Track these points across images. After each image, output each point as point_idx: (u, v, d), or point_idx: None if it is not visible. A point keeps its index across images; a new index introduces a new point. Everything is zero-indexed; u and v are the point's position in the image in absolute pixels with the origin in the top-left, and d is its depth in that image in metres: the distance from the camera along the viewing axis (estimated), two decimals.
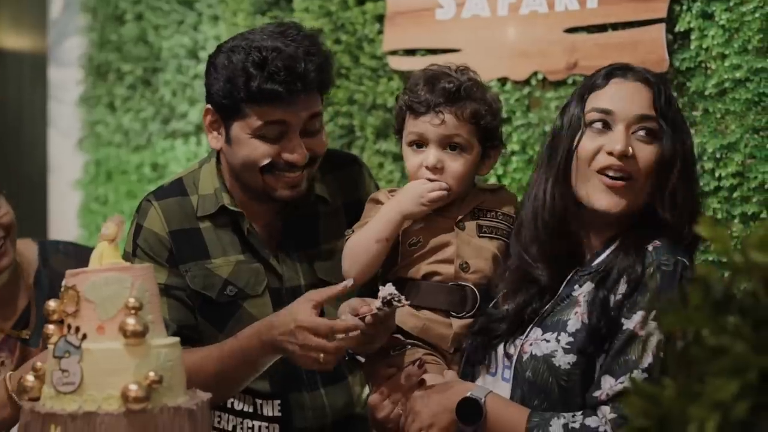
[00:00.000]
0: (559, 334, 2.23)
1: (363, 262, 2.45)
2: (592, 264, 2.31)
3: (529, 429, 2.17)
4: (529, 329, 2.29)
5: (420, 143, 2.44)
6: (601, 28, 3.30)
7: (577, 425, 2.14)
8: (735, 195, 2.96)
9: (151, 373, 1.89)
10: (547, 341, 2.23)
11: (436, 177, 2.42)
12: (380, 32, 3.80)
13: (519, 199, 2.54)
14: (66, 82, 5.09)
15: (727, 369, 1.28)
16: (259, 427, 2.67)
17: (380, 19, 3.80)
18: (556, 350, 2.21)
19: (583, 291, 2.25)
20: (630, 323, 2.16)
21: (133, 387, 1.87)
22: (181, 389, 1.97)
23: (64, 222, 5.07)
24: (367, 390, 2.65)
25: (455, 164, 2.42)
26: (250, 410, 2.68)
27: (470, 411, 2.23)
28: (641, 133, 2.27)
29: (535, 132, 3.44)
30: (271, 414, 2.67)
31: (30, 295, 2.98)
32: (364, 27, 3.84)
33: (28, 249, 3.07)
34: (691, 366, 1.35)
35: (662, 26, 3.12)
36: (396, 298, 2.25)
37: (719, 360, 1.30)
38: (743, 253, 1.34)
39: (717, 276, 1.36)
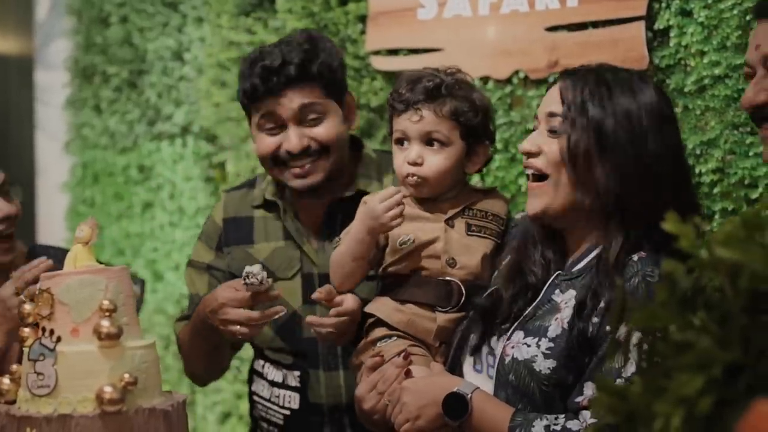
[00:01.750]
0: (539, 339, 2.23)
1: (344, 275, 2.54)
2: (573, 270, 2.32)
3: (512, 428, 2.18)
4: (511, 331, 2.30)
5: (403, 140, 2.50)
6: (582, 26, 3.30)
7: (558, 428, 2.15)
8: (715, 191, 2.97)
9: (126, 375, 1.90)
10: (528, 345, 2.24)
11: (416, 171, 2.46)
12: (363, 32, 3.80)
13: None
14: (52, 85, 5.09)
15: (693, 364, 1.29)
16: (284, 395, 2.91)
17: (363, 19, 3.80)
18: (536, 355, 2.22)
19: (564, 298, 2.26)
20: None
21: (107, 389, 1.88)
22: (156, 390, 1.98)
23: (52, 224, 5.06)
24: None
25: (435, 158, 2.47)
26: (280, 380, 2.92)
27: (456, 406, 2.25)
28: (549, 129, 2.31)
29: (517, 130, 3.44)
30: (292, 384, 2.89)
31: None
32: (347, 27, 3.84)
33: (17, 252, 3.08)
34: (658, 362, 1.35)
35: (642, 24, 3.12)
36: (249, 276, 2.50)
37: (685, 355, 1.30)
38: (709, 249, 1.35)
39: (683, 272, 1.36)
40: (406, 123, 2.48)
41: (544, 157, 2.30)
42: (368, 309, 2.53)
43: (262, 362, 2.97)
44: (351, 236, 2.49)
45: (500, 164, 3.46)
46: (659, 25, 3.10)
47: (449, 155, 2.48)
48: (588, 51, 3.22)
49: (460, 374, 2.39)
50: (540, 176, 2.32)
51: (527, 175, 2.36)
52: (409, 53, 3.69)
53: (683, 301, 1.35)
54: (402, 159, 2.49)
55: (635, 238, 2.23)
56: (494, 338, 2.33)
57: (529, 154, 2.32)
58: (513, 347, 2.27)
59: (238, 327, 2.56)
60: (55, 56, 5.05)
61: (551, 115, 2.31)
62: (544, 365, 2.21)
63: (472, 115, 2.48)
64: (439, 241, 2.47)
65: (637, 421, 1.34)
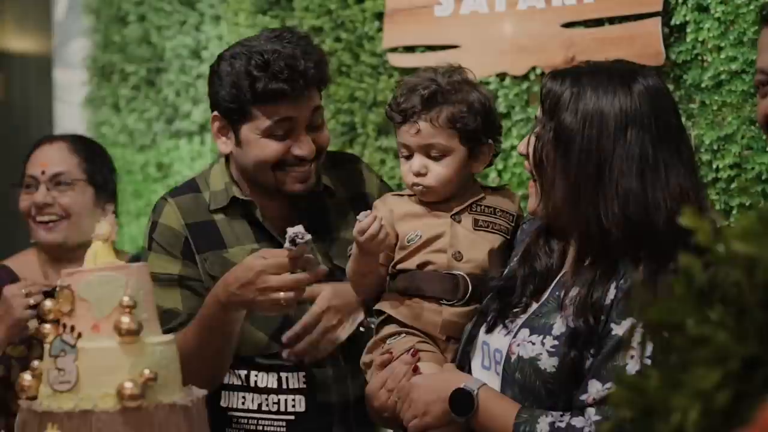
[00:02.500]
0: (544, 337, 2.24)
1: (360, 289, 2.61)
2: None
3: (517, 424, 2.19)
4: (518, 328, 2.30)
5: (405, 151, 2.52)
6: (598, 22, 3.31)
7: (563, 425, 2.15)
8: (732, 186, 2.97)
9: (146, 371, 1.91)
10: (533, 344, 2.24)
11: (420, 181, 2.48)
12: (380, 30, 3.81)
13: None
14: (71, 84, 5.11)
15: (710, 358, 1.29)
16: (285, 400, 2.74)
17: (380, 16, 3.81)
18: (541, 353, 2.22)
19: (570, 295, 2.25)
20: (619, 329, 2.16)
21: (128, 385, 1.89)
22: (176, 386, 1.99)
23: None
24: None
25: (438, 167, 2.48)
26: (275, 385, 2.75)
27: (463, 402, 2.26)
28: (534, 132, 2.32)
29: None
30: (296, 386, 2.74)
31: None
32: (364, 25, 3.86)
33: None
34: (675, 356, 1.36)
35: (658, 20, 3.12)
36: (300, 236, 2.40)
37: (702, 350, 1.31)
38: (725, 244, 1.35)
39: (700, 267, 1.37)
40: (406, 135, 2.50)
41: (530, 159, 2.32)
42: (377, 306, 2.55)
43: (244, 372, 2.76)
44: (352, 256, 2.53)
45: (517, 160, 3.47)
46: (676, 20, 3.10)
47: (451, 163, 2.49)
48: (604, 47, 3.23)
49: (469, 370, 2.40)
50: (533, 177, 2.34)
51: None
52: (425, 50, 3.70)
53: (700, 295, 1.36)
54: (407, 169, 2.51)
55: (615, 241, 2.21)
56: (502, 333, 2.33)
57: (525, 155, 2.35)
58: (518, 345, 2.27)
59: (282, 294, 2.46)
60: (74, 55, 5.08)
61: (536, 118, 2.34)
62: (548, 363, 2.21)
63: (471, 120, 2.47)
64: (445, 236, 2.48)
65: (655, 415, 1.34)
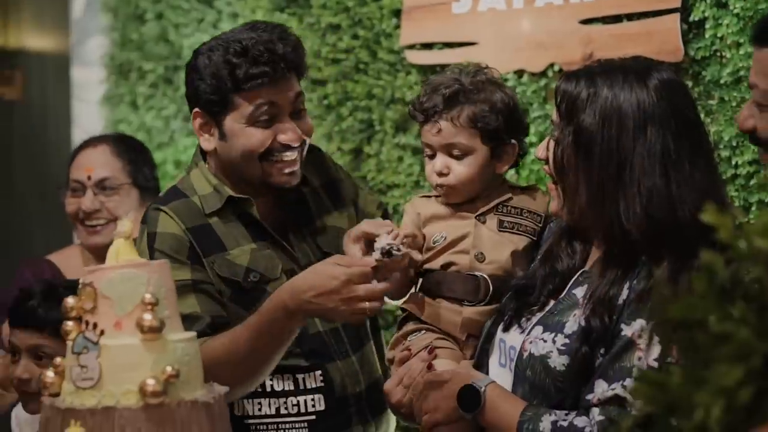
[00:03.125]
0: (556, 335, 2.25)
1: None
2: (593, 269, 2.32)
3: (521, 422, 2.20)
4: (532, 326, 2.31)
5: (428, 151, 2.54)
6: (617, 18, 3.30)
7: (566, 424, 2.16)
8: (752, 182, 2.97)
9: (168, 368, 1.92)
10: (545, 341, 2.26)
11: (443, 181, 2.50)
12: (397, 27, 3.81)
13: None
14: (89, 82, 5.13)
15: (732, 355, 1.30)
16: (304, 401, 2.72)
17: (397, 13, 3.82)
18: (552, 351, 2.23)
19: (590, 293, 2.25)
20: (629, 330, 2.16)
21: (150, 381, 1.90)
22: (198, 383, 2.01)
23: None
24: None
25: (459, 167, 2.50)
26: (291, 387, 2.72)
27: (470, 398, 2.28)
28: (551, 135, 2.33)
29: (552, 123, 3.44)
30: (313, 386, 2.72)
31: None
32: (381, 22, 3.86)
33: None
34: (697, 353, 1.36)
35: (677, 16, 3.12)
36: (395, 248, 2.35)
37: (724, 346, 1.31)
38: (747, 240, 1.35)
39: (721, 264, 1.37)
40: (428, 135, 2.52)
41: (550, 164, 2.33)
42: (401, 303, 2.58)
43: None
44: None
45: (535, 158, 3.46)
46: (694, 16, 3.09)
47: (473, 162, 2.50)
48: (623, 44, 3.22)
49: (487, 368, 2.41)
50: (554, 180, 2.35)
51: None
52: (443, 47, 3.70)
53: (722, 292, 1.36)
54: (430, 169, 2.54)
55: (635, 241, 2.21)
56: (518, 330, 2.35)
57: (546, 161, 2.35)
58: (531, 342, 2.28)
59: (368, 304, 2.40)
60: (92, 53, 5.10)
61: (553, 122, 2.34)
62: (558, 361, 2.22)
63: (492, 119, 2.48)
64: (469, 237, 2.50)
65: (677, 412, 1.35)
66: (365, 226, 2.50)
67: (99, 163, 3.30)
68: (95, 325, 1.96)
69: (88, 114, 5.12)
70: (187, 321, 2.45)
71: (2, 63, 5.45)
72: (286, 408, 2.71)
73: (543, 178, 3.45)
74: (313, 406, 2.72)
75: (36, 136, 5.23)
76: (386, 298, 2.65)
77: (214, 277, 2.65)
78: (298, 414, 2.72)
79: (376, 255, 2.38)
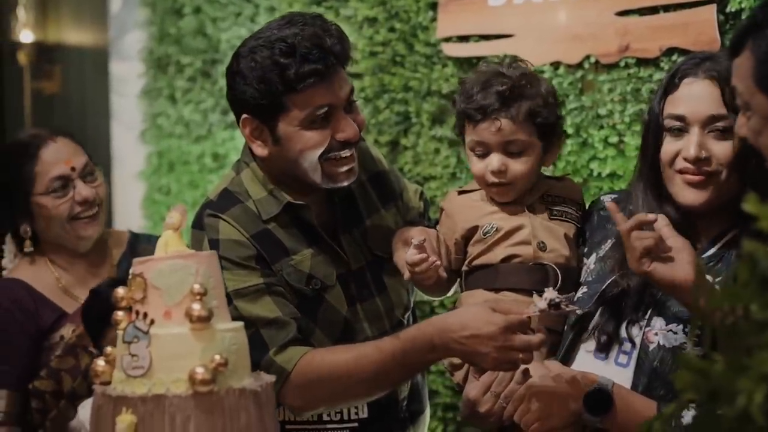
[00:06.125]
0: (685, 327, 2.22)
1: (431, 292, 2.64)
2: (703, 256, 2.28)
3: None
4: (649, 317, 2.29)
5: (482, 149, 2.48)
6: (653, 10, 3.31)
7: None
8: None
9: (217, 357, 1.95)
10: (675, 333, 2.23)
11: (501, 180, 2.46)
12: (434, 19, 3.84)
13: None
14: (127, 76, 5.18)
15: None
16: (348, 409, 2.67)
17: (434, 6, 3.84)
18: (685, 342, 2.20)
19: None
20: None
21: (199, 370, 1.93)
22: (245, 372, 2.04)
23: (128, 212, 5.16)
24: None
25: (517, 165, 2.46)
26: None
27: (600, 400, 2.20)
28: (715, 131, 2.25)
29: (588, 115, 3.46)
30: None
31: (111, 273, 3.16)
32: (418, 15, 3.89)
33: (120, 235, 3.32)
34: (740, 340, 1.38)
35: (713, 7, 3.13)
36: (564, 303, 2.23)
37: (766, 334, 1.33)
38: None
39: (764, 253, 1.39)
40: (485, 133, 2.45)
41: (710, 160, 2.25)
42: (449, 294, 2.57)
43: None
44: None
45: (572, 149, 3.49)
46: (731, 8, 3.10)
47: (530, 158, 2.47)
48: (659, 35, 3.23)
49: (570, 363, 2.36)
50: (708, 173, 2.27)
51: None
52: (479, 39, 3.72)
53: (764, 280, 1.38)
54: (483, 168, 2.48)
55: None
56: (625, 326, 2.31)
57: (699, 160, 2.25)
58: (656, 334, 2.25)
59: (522, 355, 2.26)
60: (130, 47, 5.15)
61: (716, 118, 2.24)
62: (692, 353, 2.13)
63: (548, 113, 2.46)
64: (526, 227, 2.47)
65: (720, 399, 1.37)
66: (413, 232, 2.56)
67: (71, 154, 3.14)
68: (145, 315, 2.00)
69: (127, 108, 5.17)
70: (274, 327, 2.47)
71: (42, 58, 5.52)
72: (329, 414, 2.65)
73: (579, 170, 3.47)
74: (356, 413, 2.67)
75: (75, 129, 5.26)
76: (424, 294, 2.67)
77: (283, 284, 2.56)
78: (341, 421, 2.67)
79: (542, 305, 2.24)
